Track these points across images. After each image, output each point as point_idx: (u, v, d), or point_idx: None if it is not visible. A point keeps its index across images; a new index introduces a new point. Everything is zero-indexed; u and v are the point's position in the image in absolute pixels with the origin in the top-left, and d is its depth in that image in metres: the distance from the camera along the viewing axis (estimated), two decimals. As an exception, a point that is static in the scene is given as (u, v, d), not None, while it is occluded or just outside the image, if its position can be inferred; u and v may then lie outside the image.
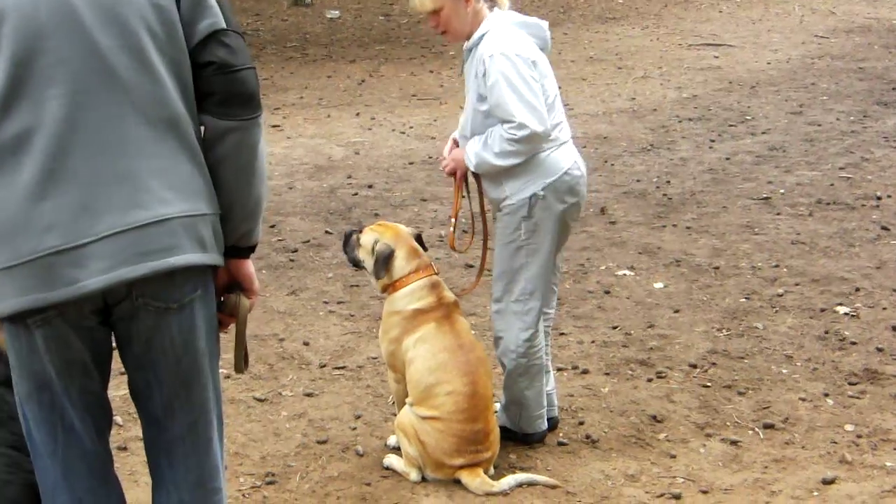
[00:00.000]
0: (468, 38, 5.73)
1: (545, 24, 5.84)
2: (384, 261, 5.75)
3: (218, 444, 3.80)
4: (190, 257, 3.47)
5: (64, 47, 3.29)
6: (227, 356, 4.02)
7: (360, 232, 5.91)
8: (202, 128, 3.55)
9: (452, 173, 5.92)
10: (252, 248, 3.78)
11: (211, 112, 3.51)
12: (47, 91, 3.28)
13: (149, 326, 3.52)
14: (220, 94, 3.50)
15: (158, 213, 3.38)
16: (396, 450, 5.80)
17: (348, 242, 5.97)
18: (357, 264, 5.94)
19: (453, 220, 6.09)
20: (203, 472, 3.76)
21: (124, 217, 3.34)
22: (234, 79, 3.49)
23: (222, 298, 3.78)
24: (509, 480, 5.54)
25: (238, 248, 3.72)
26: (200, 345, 3.63)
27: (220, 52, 3.47)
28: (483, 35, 5.64)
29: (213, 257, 3.57)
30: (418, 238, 5.94)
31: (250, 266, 3.80)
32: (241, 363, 3.97)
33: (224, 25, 3.48)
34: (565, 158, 5.68)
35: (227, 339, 3.96)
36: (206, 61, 3.47)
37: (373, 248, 5.78)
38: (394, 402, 6.02)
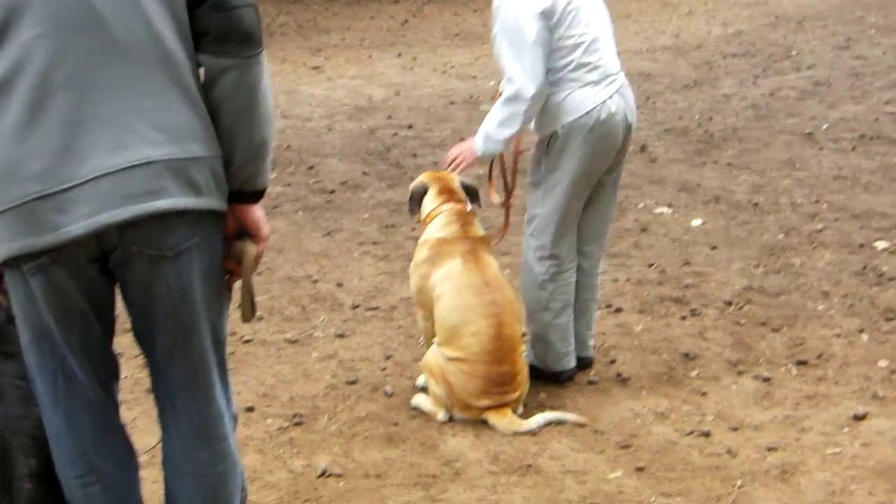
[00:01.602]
0: None
1: None
2: (417, 197, 5.88)
3: (221, 392, 3.73)
4: (179, 201, 3.34)
5: None
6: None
7: None
8: (201, 69, 3.46)
9: (463, 163, 5.78)
10: (260, 194, 3.63)
11: (207, 51, 3.39)
12: (31, 31, 3.18)
13: (144, 273, 3.41)
14: (214, 32, 3.37)
15: (144, 156, 3.26)
16: (425, 390, 5.77)
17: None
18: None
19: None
20: (206, 420, 3.70)
21: (108, 160, 3.23)
22: (230, 16, 3.36)
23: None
24: (538, 419, 5.51)
25: (243, 192, 3.58)
26: (197, 294, 3.51)
27: None
28: None
29: (209, 202, 3.43)
30: (468, 188, 5.94)
31: (258, 212, 3.64)
32: (249, 312, 3.80)
33: None
34: (590, 98, 5.55)
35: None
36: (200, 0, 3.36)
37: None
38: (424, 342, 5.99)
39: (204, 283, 3.52)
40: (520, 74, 5.38)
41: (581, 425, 5.51)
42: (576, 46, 5.51)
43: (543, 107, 5.53)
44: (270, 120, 3.53)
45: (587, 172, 5.64)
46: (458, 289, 5.54)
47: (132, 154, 3.24)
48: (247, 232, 3.63)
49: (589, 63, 5.56)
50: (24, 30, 3.18)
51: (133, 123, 3.26)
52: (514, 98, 5.42)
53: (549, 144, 5.59)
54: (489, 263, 5.65)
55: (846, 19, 16.67)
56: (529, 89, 5.38)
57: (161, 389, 3.70)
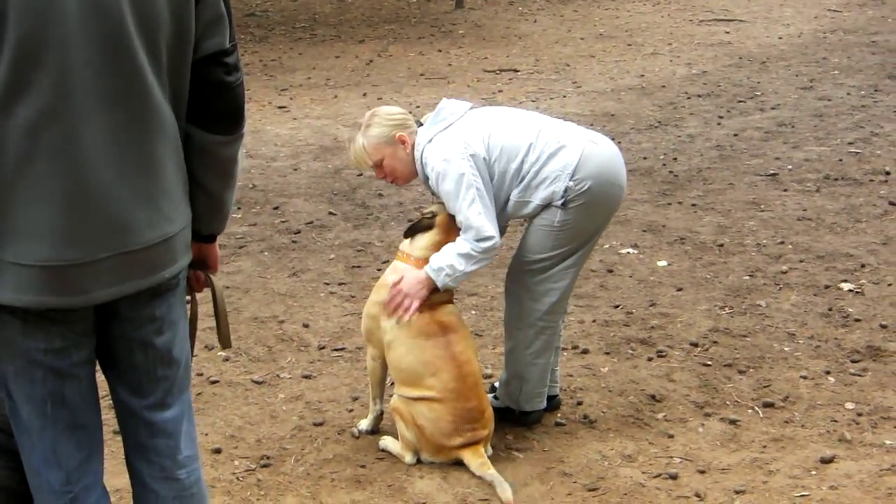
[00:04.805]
0: (417, 174, 5.74)
1: (451, 102, 5.79)
2: (419, 229, 5.71)
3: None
4: (179, 264, 3.60)
5: (109, 69, 3.26)
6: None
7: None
8: (187, 134, 3.58)
9: (412, 308, 5.56)
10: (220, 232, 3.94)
11: (200, 125, 3.54)
12: (84, 107, 3.23)
13: (137, 326, 3.60)
14: (213, 111, 3.54)
15: (164, 232, 3.46)
16: (368, 435, 5.87)
17: None
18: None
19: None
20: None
21: (138, 237, 3.40)
22: (228, 98, 3.54)
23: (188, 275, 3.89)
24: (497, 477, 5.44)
25: (213, 234, 3.85)
26: (179, 333, 3.74)
27: (219, 71, 3.48)
28: (421, 160, 5.62)
29: (190, 256, 3.69)
30: None
31: (217, 247, 3.94)
32: (228, 337, 4.08)
33: (227, 45, 3.48)
34: (565, 161, 5.56)
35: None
36: (204, 80, 3.48)
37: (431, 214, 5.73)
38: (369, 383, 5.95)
39: (181, 320, 3.74)
40: (489, 226, 5.44)
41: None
42: (519, 156, 5.58)
43: (540, 178, 5.59)
44: (237, 179, 3.80)
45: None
46: (411, 335, 5.53)
47: (156, 232, 3.44)
48: (206, 264, 3.90)
49: (538, 141, 5.62)
50: (85, 103, 3.23)
51: (160, 202, 3.44)
52: (491, 249, 5.47)
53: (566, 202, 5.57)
54: (443, 306, 5.63)
55: (809, 60, 16.78)
56: (499, 242, 5.51)
57: (142, 435, 3.78)
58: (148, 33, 3.26)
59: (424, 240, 5.67)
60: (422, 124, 5.72)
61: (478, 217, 5.41)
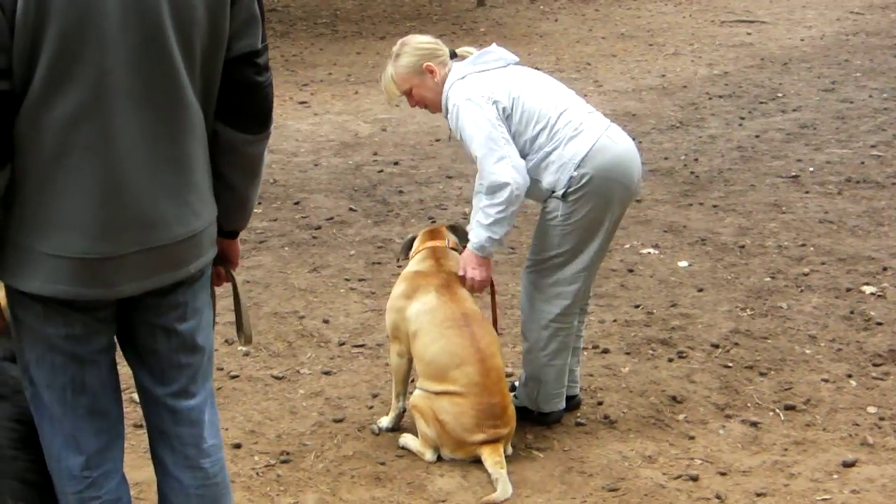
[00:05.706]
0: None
1: (499, 50, 5.77)
2: (408, 243, 6.04)
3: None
4: (204, 259, 3.63)
5: (146, 68, 3.28)
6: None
7: None
8: (214, 131, 3.60)
9: (482, 281, 5.72)
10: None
11: (229, 123, 3.56)
12: (121, 104, 3.25)
13: (162, 314, 3.64)
14: (242, 110, 3.56)
15: (192, 229, 3.50)
16: (387, 433, 5.87)
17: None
18: None
19: None
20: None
21: (168, 232, 3.43)
22: (257, 97, 3.56)
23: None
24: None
25: (235, 231, 3.89)
26: (204, 324, 3.77)
27: (250, 71, 3.51)
28: (447, 93, 5.62)
29: (215, 250, 3.72)
30: (456, 229, 6.05)
31: (239, 243, 3.99)
32: (250, 333, 4.07)
33: (259, 45, 3.50)
34: (574, 150, 5.53)
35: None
36: (234, 79, 3.50)
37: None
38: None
39: (205, 308, 3.78)
40: (503, 172, 5.40)
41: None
42: (529, 115, 5.56)
43: (545, 165, 5.56)
44: (261, 178, 3.86)
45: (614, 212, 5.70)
46: (436, 323, 5.55)
47: (185, 228, 3.48)
48: (227, 259, 3.93)
49: (567, 122, 5.58)
50: (117, 101, 3.25)
51: (188, 197, 3.48)
52: (509, 198, 5.41)
53: (568, 194, 5.54)
54: (465, 296, 5.65)
55: (832, 62, 16.73)
56: (521, 184, 5.43)
57: (165, 423, 3.80)
58: (184, 32, 3.27)
59: (416, 242, 6.00)
60: (456, 55, 5.74)
61: (493, 164, 5.38)
